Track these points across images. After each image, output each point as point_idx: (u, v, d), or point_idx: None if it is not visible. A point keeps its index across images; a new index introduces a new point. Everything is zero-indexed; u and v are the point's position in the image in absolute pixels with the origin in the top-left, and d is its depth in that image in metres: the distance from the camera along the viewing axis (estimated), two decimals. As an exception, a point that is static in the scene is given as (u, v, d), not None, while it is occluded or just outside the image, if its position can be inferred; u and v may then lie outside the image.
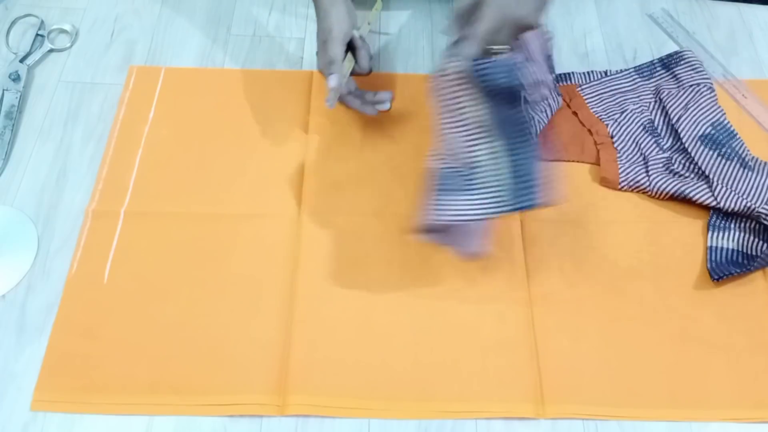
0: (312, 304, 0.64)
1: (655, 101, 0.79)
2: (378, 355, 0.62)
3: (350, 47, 0.71)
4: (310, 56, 0.84)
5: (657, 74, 0.82)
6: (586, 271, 0.67)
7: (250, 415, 0.59)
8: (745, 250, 0.68)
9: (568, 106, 0.79)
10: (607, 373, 0.62)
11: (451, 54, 0.56)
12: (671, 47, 0.87)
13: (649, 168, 0.73)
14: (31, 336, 0.62)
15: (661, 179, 0.72)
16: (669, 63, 0.82)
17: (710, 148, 0.73)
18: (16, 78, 0.79)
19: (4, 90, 0.77)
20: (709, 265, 0.67)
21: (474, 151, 0.58)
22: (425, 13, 0.90)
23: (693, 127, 0.75)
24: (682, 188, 0.71)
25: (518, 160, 0.57)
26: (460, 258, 0.66)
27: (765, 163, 0.73)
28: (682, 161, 0.74)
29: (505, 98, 0.57)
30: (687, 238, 0.70)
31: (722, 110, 0.77)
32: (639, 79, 0.82)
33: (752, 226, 0.69)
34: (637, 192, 0.73)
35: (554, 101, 0.77)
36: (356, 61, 0.72)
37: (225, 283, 0.65)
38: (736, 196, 0.69)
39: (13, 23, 0.84)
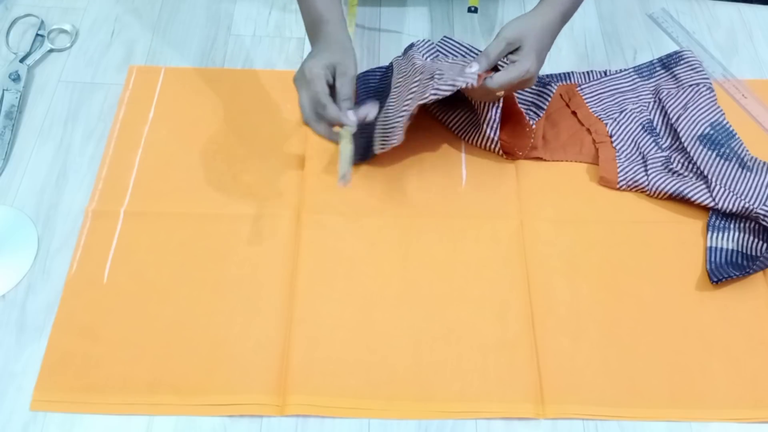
0: (312, 304, 0.64)
1: (655, 101, 0.79)
2: (378, 355, 0.62)
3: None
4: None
5: (656, 74, 0.82)
6: (586, 271, 0.67)
7: (250, 415, 0.59)
8: (744, 251, 0.68)
9: (567, 105, 0.79)
10: (607, 373, 0.62)
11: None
12: (671, 47, 0.87)
13: (648, 167, 0.73)
14: (31, 336, 0.62)
15: (659, 178, 0.72)
16: (668, 63, 0.82)
17: (709, 148, 0.73)
18: (16, 78, 0.79)
19: (4, 90, 0.77)
20: (708, 267, 0.67)
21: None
22: (425, 13, 0.90)
23: (692, 127, 0.75)
24: (681, 188, 0.71)
25: None
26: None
27: (764, 164, 0.73)
28: (681, 160, 0.74)
29: None
30: (687, 238, 0.70)
31: (721, 110, 0.77)
32: (638, 79, 0.82)
33: (752, 226, 0.69)
34: (636, 191, 0.73)
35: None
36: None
37: (225, 283, 0.65)
38: (734, 197, 0.69)
39: (13, 23, 0.84)
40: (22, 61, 0.80)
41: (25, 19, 0.85)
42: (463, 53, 0.81)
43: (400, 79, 0.72)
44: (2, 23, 0.85)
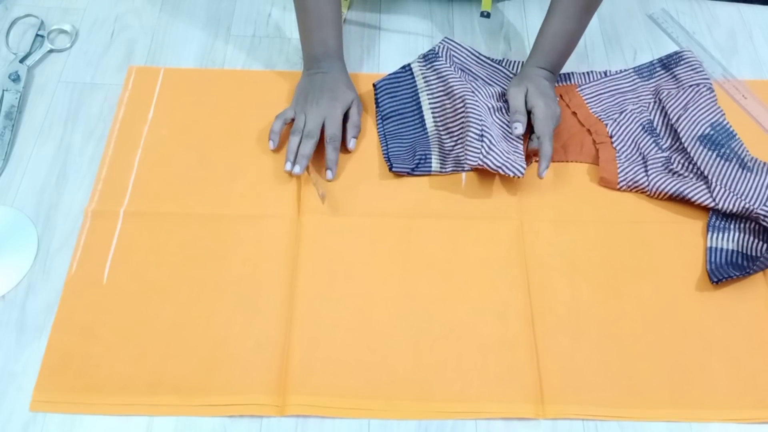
0: (312, 304, 0.64)
1: (655, 101, 0.79)
2: (378, 355, 0.62)
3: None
4: (310, 56, 0.84)
5: (656, 74, 0.82)
6: (586, 271, 0.67)
7: (250, 416, 0.59)
8: (744, 251, 0.68)
9: (567, 106, 0.79)
10: (607, 373, 0.62)
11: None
12: (671, 47, 0.87)
13: (648, 168, 0.73)
14: (31, 336, 0.62)
15: (660, 179, 0.72)
16: (669, 63, 0.82)
17: (709, 149, 0.73)
18: (16, 78, 0.79)
19: (4, 90, 0.77)
20: (708, 267, 0.67)
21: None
22: (425, 15, 0.90)
23: (692, 127, 0.75)
24: (681, 189, 0.71)
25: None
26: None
27: (764, 164, 0.73)
28: (681, 161, 0.74)
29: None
30: (687, 239, 0.70)
31: (722, 111, 0.77)
32: (638, 80, 0.82)
33: (752, 226, 0.69)
34: (636, 192, 0.73)
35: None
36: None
37: (225, 283, 0.65)
38: (735, 198, 0.69)
39: (13, 23, 0.84)
40: (22, 61, 0.80)
41: (25, 19, 0.85)
42: (465, 56, 0.81)
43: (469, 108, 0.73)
44: (2, 23, 0.85)
